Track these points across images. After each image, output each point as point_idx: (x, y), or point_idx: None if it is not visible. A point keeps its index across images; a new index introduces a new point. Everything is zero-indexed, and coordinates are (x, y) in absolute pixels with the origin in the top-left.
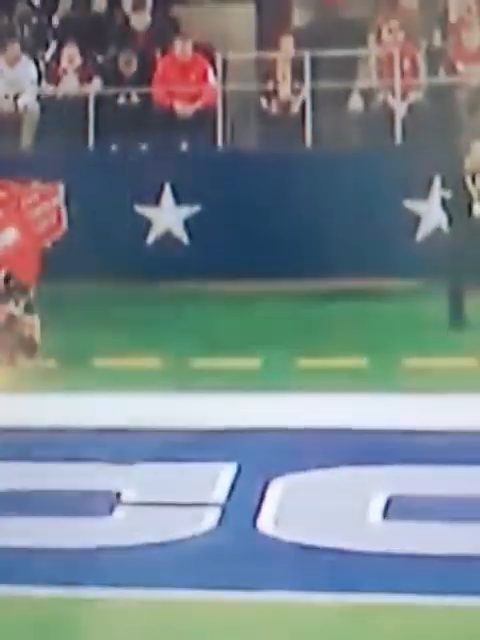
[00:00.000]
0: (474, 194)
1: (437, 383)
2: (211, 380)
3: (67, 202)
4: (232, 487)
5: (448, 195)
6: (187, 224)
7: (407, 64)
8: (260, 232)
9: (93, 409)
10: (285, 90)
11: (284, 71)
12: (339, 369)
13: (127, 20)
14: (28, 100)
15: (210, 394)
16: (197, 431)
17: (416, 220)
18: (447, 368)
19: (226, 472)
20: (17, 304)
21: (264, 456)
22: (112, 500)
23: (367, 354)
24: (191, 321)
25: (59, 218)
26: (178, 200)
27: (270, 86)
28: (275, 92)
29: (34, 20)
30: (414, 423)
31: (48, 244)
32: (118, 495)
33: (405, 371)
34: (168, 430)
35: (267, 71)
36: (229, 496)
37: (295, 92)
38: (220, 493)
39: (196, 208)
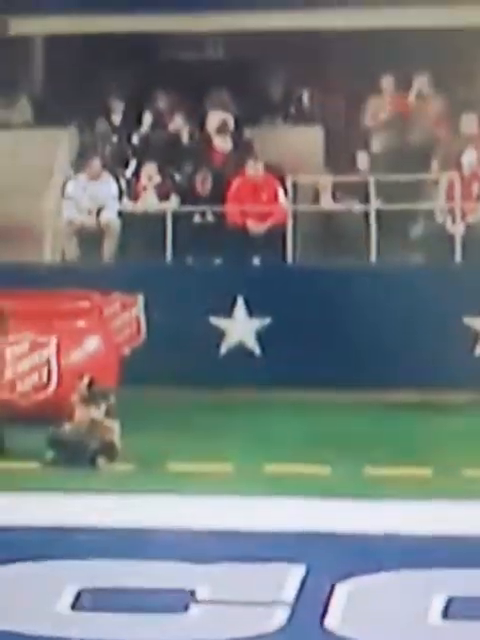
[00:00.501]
0: None
1: None
2: (282, 486)
3: (146, 312)
4: (301, 588)
5: None
6: (259, 335)
7: (474, 188)
8: (327, 344)
9: (169, 510)
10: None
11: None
12: (404, 477)
13: (207, 140)
14: (110, 215)
15: (282, 498)
16: (267, 533)
17: (475, 336)
18: None
19: (296, 573)
20: (99, 409)
21: (332, 559)
22: (187, 598)
23: (431, 464)
24: (261, 428)
25: (138, 327)
26: (250, 312)
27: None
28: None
29: (114, 138)
30: (475, 529)
31: (128, 352)
32: (193, 593)
33: (465, 480)
34: (240, 532)
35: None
36: (298, 596)
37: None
38: (289, 593)
39: (267, 320)
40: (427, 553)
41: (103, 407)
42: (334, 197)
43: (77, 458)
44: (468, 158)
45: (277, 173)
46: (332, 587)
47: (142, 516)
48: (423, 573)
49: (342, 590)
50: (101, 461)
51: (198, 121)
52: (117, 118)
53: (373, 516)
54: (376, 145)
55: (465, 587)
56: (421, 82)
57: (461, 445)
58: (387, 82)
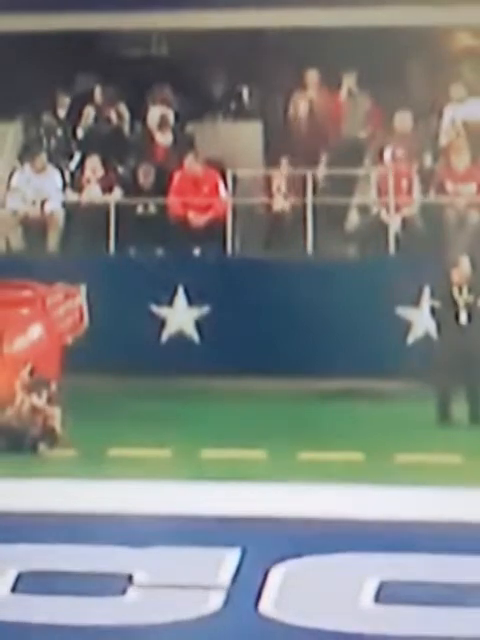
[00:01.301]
0: (460, 304)
1: (426, 477)
2: (218, 470)
3: (89, 302)
4: (236, 572)
5: (437, 304)
6: (198, 324)
7: (405, 183)
8: (264, 333)
9: (108, 496)
10: (280, 202)
11: (280, 186)
12: (337, 462)
13: (149, 135)
14: (54, 206)
15: (218, 483)
16: (203, 518)
17: (407, 326)
18: (435, 464)
19: (231, 557)
20: (40, 396)
21: (267, 543)
22: (125, 582)
23: (362, 449)
24: (199, 415)
25: (81, 316)
26: (190, 302)
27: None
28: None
29: (59, 131)
30: (405, 514)
31: (70, 341)
32: (130, 577)
33: (397, 466)
34: (177, 516)
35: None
36: (233, 580)
37: (295, 206)
38: (225, 577)
39: (206, 309)
40: (360, 537)
41: (45, 394)
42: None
43: (18, 444)
44: (388, 154)
45: (218, 167)
46: (267, 571)
47: (82, 501)
48: (356, 557)
49: (276, 574)
50: (42, 447)
51: (140, 116)
52: (62, 112)
53: (307, 500)
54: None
55: (397, 572)
56: (350, 80)
57: (393, 431)
58: (311, 77)
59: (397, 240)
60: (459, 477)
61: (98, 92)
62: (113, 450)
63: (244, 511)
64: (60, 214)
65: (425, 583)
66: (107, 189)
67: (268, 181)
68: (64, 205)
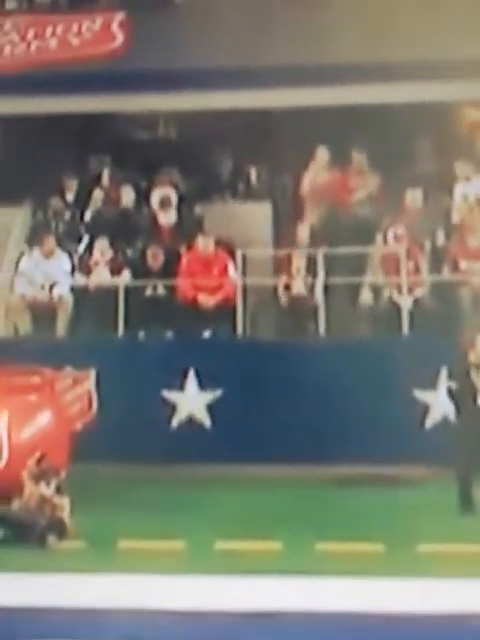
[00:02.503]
0: (478, 385)
1: (449, 568)
2: (233, 563)
3: (98, 387)
4: None
5: (454, 386)
6: (210, 408)
7: (411, 263)
8: (278, 418)
9: (118, 590)
10: (299, 284)
11: (299, 266)
12: (355, 553)
13: (154, 217)
14: (62, 290)
15: (233, 576)
16: (219, 614)
17: (425, 409)
18: (458, 554)
19: None
20: (48, 485)
21: (284, 639)
22: None
23: (382, 539)
24: (212, 504)
25: (90, 402)
26: (201, 385)
27: (285, 280)
28: (288, 286)
29: (67, 215)
30: (429, 607)
31: (79, 427)
32: None
33: (419, 556)
34: (190, 612)
35: (282, 266)
36: None
37: (308, 286)
38: None
39: (218, 393)
40: (383, 632)
41: (53, 484)
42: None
43: (27, 536)
44: (398, 232)
45: (227, 248)
46: None
47: (91, 596)
48: None
49: None
50: (51, 539)
51: (145, 198)
52: (70, 196)
53: (326, 594)
54: (312, 217)
55: None
56: (360, 158)
57: (413, 520)
58: (321, 153)
59: (411, 320)
60: None
61: (106, 175)
62: (123, 542)
63: (260, 607)
64: (68, 298)
65: None
66: (116, 271)
67: (287, 262)
68: (72, 289)
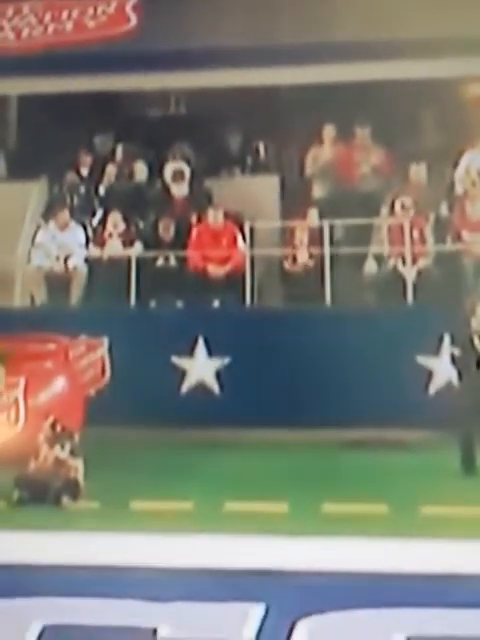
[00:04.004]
0: None
1: (452, 530)
2: (241, 523)
3: (110, 354)
4: (261, 626)
5: (457, 352)
6: (218, 375)
7: (416, 233)
8: (285, 384)
9: (131, 549)
10: (303, 255)
11: (302, 238)
12: (361, 515)
13: (167, 189)
14: (77, 262)
15: (241, 536)
16: (227, 571)
17: (428, 375)
18: (460, 515)
19: (255, 612)
20: (63, 448)
21: (292, 597)
22: (150, 636)
23: (386, 501)
24: (221, 467)
25: (103, 369)
26: (210, 353)
27: (291, 251)
28: (295, 257)
29: (82, 189)
30: (431, 567)
31: (92, 392)
32: (154, 631)
33: (422, 518)
34: (200, 570)
35: (290, 238)
36: (258, 635)
37: (314, 257)
38: (250, 631)
39: (227, 360)
40: (386, 592)
41: (68, 446)
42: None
43: (42, 497)
44: (403, 204)
45: (236, 220)
46: (292, 625)
47: (105, 554)
48: (382, 612)
49: (301, 629)
50: (65, 499)
51: (159, 172)
52: (85, 171)
53: (331, 554)
54: (318, 191)
55: (424, 627)
56: (364, 133)
57: (418, 482)
58: (328, 131)
59: (415, 290)
60: None
61: (119, 151)
62: (135, 503)
63: (268, 565)
64: (83, 269)
65: (453, 638)
66: (128, 243)
67: (291, 233)
68: (86, 260)
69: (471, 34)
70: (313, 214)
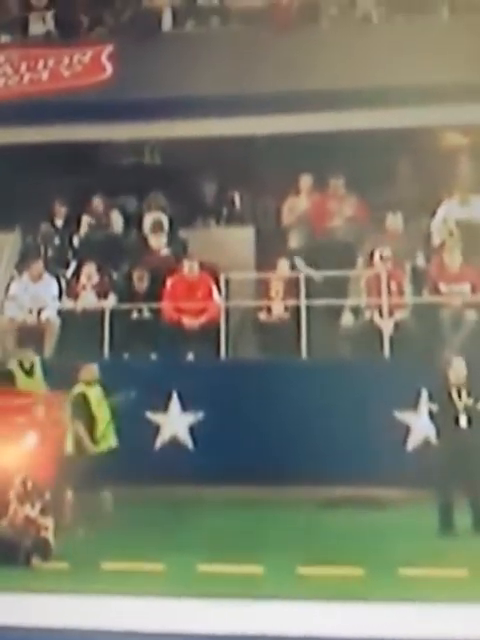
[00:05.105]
0: (459, 407)
1: (429, 592)
2: (214, 586)
3: None
4: None
5: (435, 408)
6: (192, 430)
7: (394, 285)
8: (260, 439)
9: (101, 612)
10: (279, 307)
11: (277, 289)
12: (336, 577)
13: (144, 240)
14: (50, 314)
15: (214, 599)
16: (200, 636)
17: (406, 431)
18: (438, 578)
19: None
20: (33, 506)
21: None
22: None
23: (363, 563)
24: (195, 526)
25: None
26: (184, 407)
27: (267, 302)
28: (270, 308)
29: (56, 240)
30: (409, 633)
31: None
32: None
33: (399, 580)
34: (172, 634)
35: (265, 289)
36: None
37: (289, 308)
38: None
39: (200, 415)
40: None
41: (38, 505)
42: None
43: (12, 557)
44: (379, 255)
45: (211, 271)
46: None
47: (75, 617)
48: None
49: None
50: (35, 560)
51: (135, 222)
52: (59, 221)
53: (306, 618)
54: (293, 241)
55: None
56: (337, 183)
57: (394, 543)
58: (305, 181)
59: (391, 342)
60: (464, 591)
61: (94, 201)
62: (106, 563)
63: (240, 629)
64: (56, 321)
65: None
66: (102, 295)
67: (266, 285)
68: (59, 312)
69: (447, 82)
70: (283, 265)
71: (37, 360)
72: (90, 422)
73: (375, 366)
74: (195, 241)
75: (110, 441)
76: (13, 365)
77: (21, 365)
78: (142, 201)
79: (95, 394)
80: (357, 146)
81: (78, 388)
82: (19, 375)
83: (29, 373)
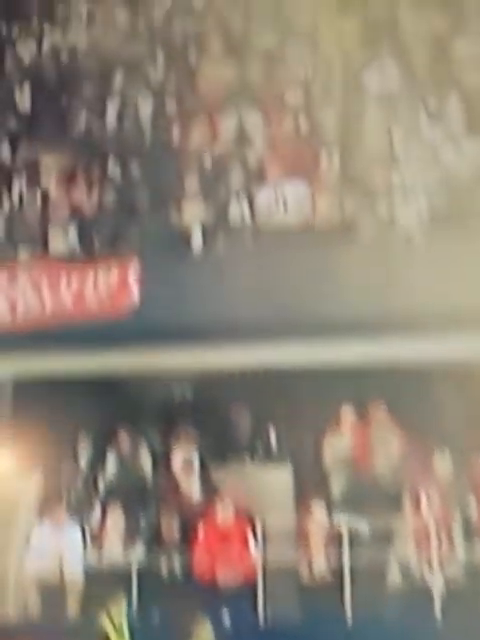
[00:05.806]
0: None
1: None
2: None
3: None
4: None
5: None
6: None
7: (444, 534)
8: None
9: None
10: (320, 562)
11: (317, 540)
12: None
13: (173, 480)
14: (73, 568)
15: None
16: None
17: None
18: None
19: None
20: None
21: None
22: None
23: None
24: None
25: None
26: None
27: (306, 556)
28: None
29: (80, 482)
30: None
31: None
32: None
33: None
34: None
35: (304, 538)
36: None
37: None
38: None
39: None
40: None
41: None
42: None
43: None
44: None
45: (246, 515)
46: None
47: None
48: None
49: None
50: None
51: (164, 462)
52: (84, 460)
53: None
54: (337, 486)
55: None
56: (381, 415)
57: None
58: (346, 413)
59: (442, 603)
60: None
61: (120, 438)
62: None
63: None
64: (79, 577)
65: None
66: (129, 543)
67: (304, 533)
68: (84, 567)
69: None
70: (321, 510)
71: None
72: None
73: (425, 631)
74: (228, 481)
75: None
76: None
77: None
78: (171, 438)
79: None
80: (400, 376)
81: None
82: None
83: None
